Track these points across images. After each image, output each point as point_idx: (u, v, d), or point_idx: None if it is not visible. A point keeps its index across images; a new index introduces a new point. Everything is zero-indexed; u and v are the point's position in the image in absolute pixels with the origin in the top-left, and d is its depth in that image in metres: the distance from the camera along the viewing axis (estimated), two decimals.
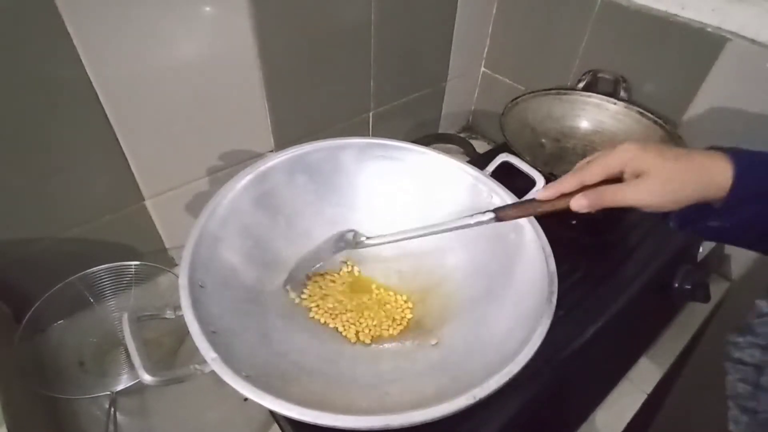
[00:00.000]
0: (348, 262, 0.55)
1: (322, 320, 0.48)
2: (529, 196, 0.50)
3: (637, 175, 0.35)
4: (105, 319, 0.57)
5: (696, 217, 0.36)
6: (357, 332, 0.48)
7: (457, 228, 0.42)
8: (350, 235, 0.50)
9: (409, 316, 0.50)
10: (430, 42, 0.76)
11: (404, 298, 0.52)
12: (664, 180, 0.34)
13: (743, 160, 0.33)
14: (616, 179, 0.37)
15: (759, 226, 0.34)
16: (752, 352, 0.36)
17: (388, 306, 0.51)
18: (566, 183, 0.38)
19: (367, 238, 0.49)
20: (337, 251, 0.50)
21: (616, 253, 0.60)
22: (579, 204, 0.37)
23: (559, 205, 0.38)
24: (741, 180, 0.33)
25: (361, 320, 0.49)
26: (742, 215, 0.34)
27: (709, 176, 0.33)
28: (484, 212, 0.41)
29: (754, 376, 0.35)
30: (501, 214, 0.41)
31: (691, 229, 0.38)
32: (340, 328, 0.48)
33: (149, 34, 0.47)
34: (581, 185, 0.37)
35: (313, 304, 0.49)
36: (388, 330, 0.48)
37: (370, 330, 0.48)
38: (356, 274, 0.54)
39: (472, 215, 0.42)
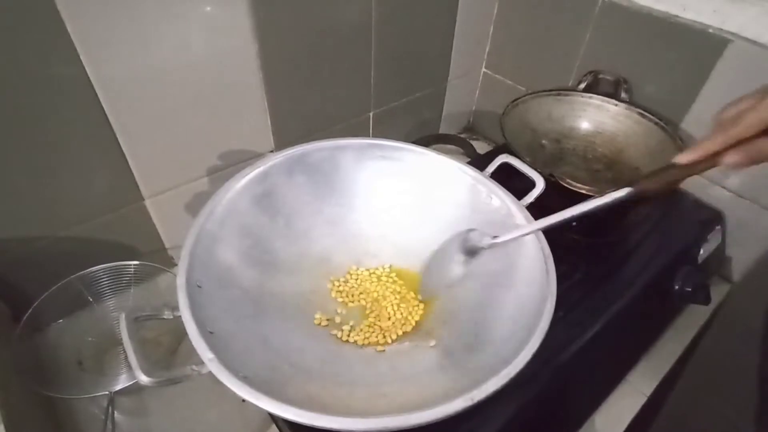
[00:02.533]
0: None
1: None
2: (528, 198, 0.51)
3: None
4: (104, 319, 0.57)
5: None
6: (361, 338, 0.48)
7: (594, 209, 0.38)
8: (475, 236, 0.46)
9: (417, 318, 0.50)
10: (431, 42, 0.76)
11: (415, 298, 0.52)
12: None
13: None
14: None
15: None
16: None
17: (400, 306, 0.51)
18: (714, 142, 0.34)
19: (493, 237, 0.44)
20: (470, 258, 0.46)
21: (616, 255, 0.60)
22: (733, 161, 0.33)
23: (703, 167, 0.35)
24: None
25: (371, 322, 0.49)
26: None
27: None
28: (621, 188, 0.37)
29: None
30: (638, 187, 0.37)
31: None
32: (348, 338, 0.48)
33: (149, 33, 0.47)
34: (728, 144, 0.34)
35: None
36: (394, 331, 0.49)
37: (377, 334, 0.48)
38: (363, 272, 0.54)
39: (606, 193, 0.37)
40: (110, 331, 0.56)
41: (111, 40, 0.45)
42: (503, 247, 0.46)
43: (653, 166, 0.63)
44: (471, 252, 0.46)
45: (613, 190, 0.37)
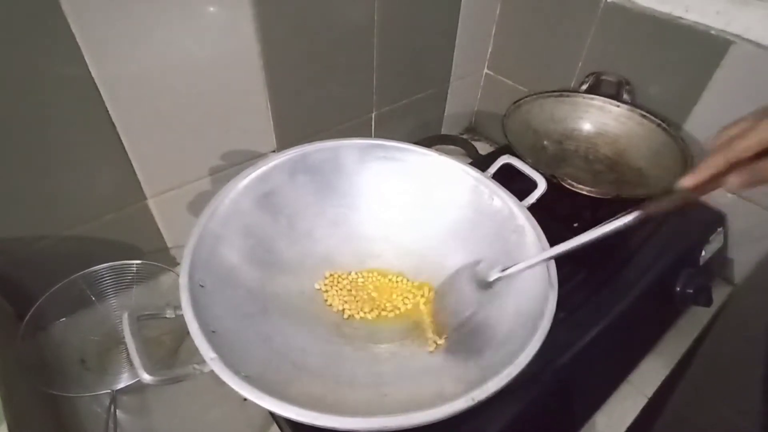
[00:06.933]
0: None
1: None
2: (530, 198, 0.50)
3: None
4: (106, 318, 0.57)
5: None
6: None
7: (606, 234, 0.39)
8: (483, 269, 0.47)
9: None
10: (433, 43, 0.76)
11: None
12: None
13: None
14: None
15: None
16: None
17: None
18: (715, 164, 0.34)
19: (503, 269, 0.45)
20: (481, 289, 0.47)
21: (618, 256, 0.60)
22: (737, 182, 0.34)
23: (707, 189, 0.35)
24: None
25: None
26: None
27: None
28: (630, 212, 0.38)
29: None
30: (647, 210, 0.37)
31: None
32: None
33: (153, 33, 0.47)
34: (729, 164, 0.34)
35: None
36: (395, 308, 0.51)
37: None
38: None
39: (616, 217, 0.38)
40: (113, 329, 0.56)
41: (115, 41, 0.46)
42: (504, 247, 0.47)
43: (655, 167, 0.63)
44: (482, 286, 0.46)
45: (624, 215, 0.38)
